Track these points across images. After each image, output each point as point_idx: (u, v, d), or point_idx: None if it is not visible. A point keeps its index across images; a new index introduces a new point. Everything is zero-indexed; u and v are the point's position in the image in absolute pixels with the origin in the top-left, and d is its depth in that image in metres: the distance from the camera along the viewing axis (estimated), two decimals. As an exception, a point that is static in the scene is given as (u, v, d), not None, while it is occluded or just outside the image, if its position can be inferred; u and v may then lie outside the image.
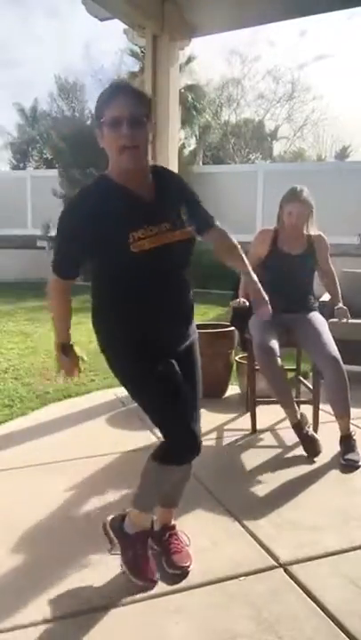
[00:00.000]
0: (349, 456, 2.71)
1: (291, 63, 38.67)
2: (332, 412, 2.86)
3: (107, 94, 1.60)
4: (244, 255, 1.94)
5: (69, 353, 1.84)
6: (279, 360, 2.82)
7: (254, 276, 1.93)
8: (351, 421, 2.91)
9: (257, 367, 3.03)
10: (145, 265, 1.61)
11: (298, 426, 2.84)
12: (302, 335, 2.93)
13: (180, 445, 1.72)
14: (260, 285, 1.92)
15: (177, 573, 1.81)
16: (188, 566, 1.83)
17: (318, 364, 2.88)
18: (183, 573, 1.81)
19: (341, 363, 2.77)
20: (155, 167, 1.75)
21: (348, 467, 2.67)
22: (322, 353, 2.79)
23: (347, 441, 2.79)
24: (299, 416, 2.86)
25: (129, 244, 1.57)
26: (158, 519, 1.94)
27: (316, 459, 2.76)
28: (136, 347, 1.70)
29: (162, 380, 1.68)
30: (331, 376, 2.78)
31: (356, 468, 2.66)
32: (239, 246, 1.93)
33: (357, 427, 3.22)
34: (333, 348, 2.80)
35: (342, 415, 2.81)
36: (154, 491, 1.83)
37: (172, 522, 1.97)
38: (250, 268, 1.94)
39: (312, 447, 2.79)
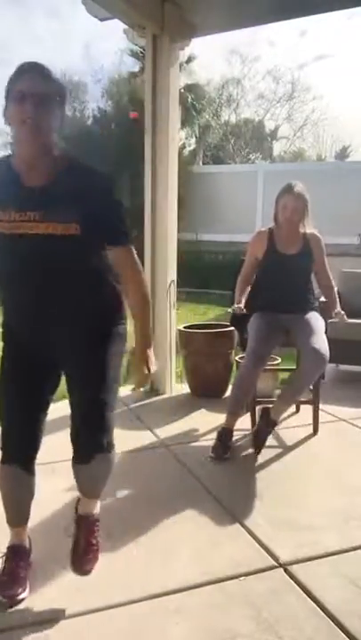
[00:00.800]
0: (262, 437, 2.80)
1: (291, 63, 38.65)
2: (274, 397, 2.93)
3: (17, 71, 1.56)
4: (144, 310, 1.76)
5: None
6: (260, 371, 2.87)
7: (144, 331, 1.75)
8: (351, 421, 2.92)
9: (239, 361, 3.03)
10: (1, 250, 1.58)
11: (226, 432, 2.88)
12: (298, 335, 2.92)
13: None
14: (145, 341, 1.75)
15: (76, 573, 1.74)
16: (90, 571, 1.74)
17: (302, 354, 2.82)
18: (83, 575, 1.73)
19: (325, 360, 2.71)
20: (74, 161, 1.64)
21: (256, 444, 2.79)
22: (308, 346, 2.73)
23: (269, 424, 2.81)
24: (233, 426, 2.91)
25: None
26: (79, 504, 1.86)
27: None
28: (11, 338, 1.72)
29: (5, 373, 1.71)
30: (307, 366, 2.75)
31: (257, 450, 2.80)
32: (143, 293, 1.74)
33: (357, 427, 3.23)
34: (323, 344, 2.74)
35: (285, 402, 2.85)
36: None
37: (92, 512, 1.83)
38: (144, 339, 1.74)
39: (217, 450, 2.81)
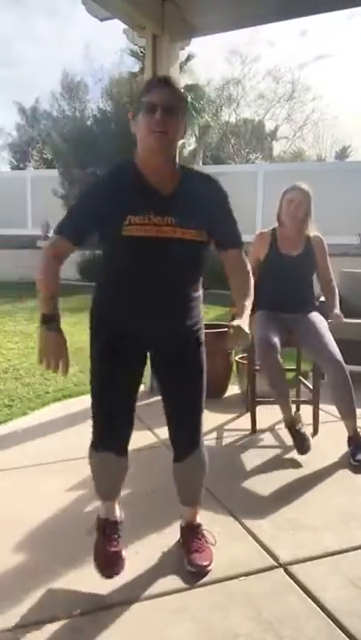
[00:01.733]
0: (359, 456, 2.70)
1: (291, 63, 38.70)
2: (338, 414, 2.85)
3: (149, 83, 1.69)
4: (249, 296, 1.83)
5: (55, 333, 1.65)
6: (280, 357, 2.81)
7: (244, 317, 1.77)
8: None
9: (257, 367, 3.03)
10: (133, 251, 1.63)
11: (291, 423, 2.84)
12: (303, 336, 2.93)
13: (93, 429, 1.83)
14: (244, 325, 1.76)
15: (193, 571, 1.82)
16: (207, 566, 1.84)
17: (321, 365, 2.87)
18: (201, 572, 1.82)
19: (344, 364, 2.76)
20: (196, 172, 1.79)
21: (360, 467, 2.66)
22: (323, 355, 2.79)
23: (355, 441, 2.78)
24: (293, 413, 2.86)
25: (123, 226, 1.60)
26: (183, 517, 1.99)
27: (305, 456, 2.75)
28: (110, 325, 1.75)
29: (103, 373, 1.76)
30: (334, 378, 2.78)
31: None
32: (250, 285, 1.84)
33: (358, 427, 3.23)
34: (335, 350, 2.79)
35: (349, 416, 2.81)
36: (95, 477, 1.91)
37: (196, 520, 1.98)
38: (245, 311, 1.78)
39: (303, 445, 2.78)
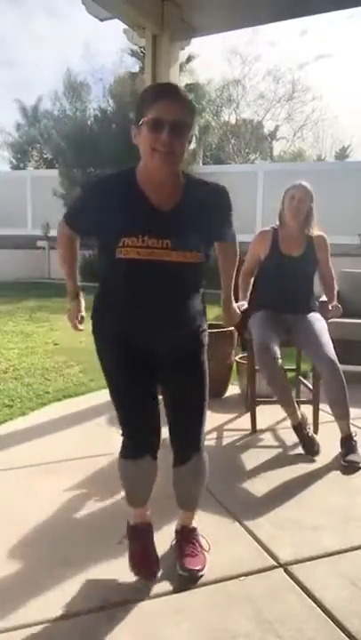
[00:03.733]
0: (351, 457, 2.70)
1: (291, 63, 38.69)
2: (332, 414, 2.86)
3: (153, 93, 1.55)
4: (232, 276, 1.98)
5: (76, 301, 1.92)
6: (279, 360, 2.81)
7: (231, 299, 2.02)
8: (351, 422, 2.91)
9: (257, 367, 3.03)
10: (128, 273, 1.60)
11: (299, 427, 2.84)
12: (301, 335, 2.93)
13: (125, 440, 1.81)
14: (234, 307, 2.04)
15: (184, 575, 1.80)
16: (198, 571, 1.80)
17: (316, 365, 2.88)
18: (192, 577, 1.79)
19: (338, 364, 2.76)
20: (201, 182, 1.71)
21: (350, 468, 2.66)
22: (318, 354, 2.79)
23: (347, 442, 2.78)
24: (300, 416, 2.86)
25: (117, 247, 1.56)
26: (178, 520, 1.97)
27: (315, 458, 2.76)
28: (114, 339, 1.74)
29: (125, 369, 1.75)
30: (328, 378, 2.78)
31: (358, 469, 2.66)
32: (234, 266, 1.96)
33: (358, 427, 3.23)
34: (330, 350, 2.79)
35: (342, 416, 2.81)
36: (124, 485, 1.89)
37: (191, 525, 1.95)
38: (230, 291, 2.01)
39: (312, 447, 2.79)
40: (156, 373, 1.79)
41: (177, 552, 1.88)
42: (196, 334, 1.79)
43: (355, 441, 2.79)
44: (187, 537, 1.91)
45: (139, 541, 1.86)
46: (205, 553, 1.89)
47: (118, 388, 1.78)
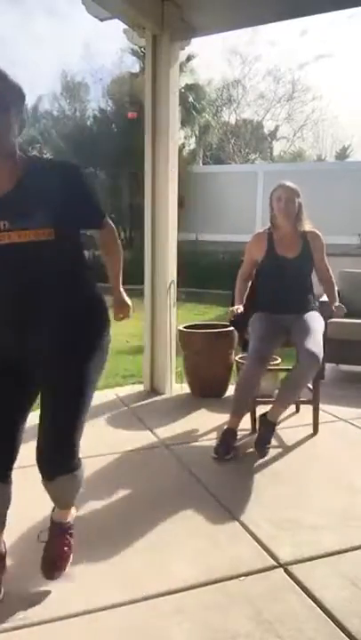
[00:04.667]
0: (267, 447, 2.82)
1: (291, 63, 38.70)
2: (274, 396, 2.94)
3: None
4: (115, 263, 1.84)
5: None
6: (266, 370, 2.87)
7: (118, 289, 1.87)
8: (351, 421, 2.92)
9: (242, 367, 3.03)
10: None
11: (229, 433, 2.87)
12: (297, 333, 2.92)
13: None
14: (121, 294, 1.87)
15: (43, 573, 1.75)
16: (58, 576, 1.75)
17: (298, 354, 2.82)
18: (50, 579, 1.75)
19: (319, 362, 2.74)
20: (35, 160, 1.61)
21: (262, 454, 2.77)
22: (304, 347, 2.76)
23: (269, 427, 2.85)
24: (237, 427, 2.90)
25: None
26: (53, 512, 1.88)
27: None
28: None
29: None
30: (300, 368, 2.77)
31: (263, 456, 2.77)
32: (119, 253, 1.83)
33: (357, 427, 3.23)
34: (317, 347, 2.76)
35: (282, 405, 2.87)
36: None
37: (66, 519, 1.85)
38: (119, 280, 1.86)
39: (223, 455, 2.77)
40: (27, 383, 1.66)
41: (46, 544, 1.80)
42: (75, 325, 1.63)
43: (274, 426, 2.86)
44: (60, 532, 1.83)
45: None
46: (70, 553, 1.82)
47: None
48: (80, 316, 1.64)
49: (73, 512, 1.89)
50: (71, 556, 1.83)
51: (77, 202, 1.58)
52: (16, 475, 1.75)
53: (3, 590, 1.71)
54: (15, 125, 1.51)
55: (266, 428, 2.87)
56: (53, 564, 1.77)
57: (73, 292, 1.64)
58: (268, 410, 2.90)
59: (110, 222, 1.78)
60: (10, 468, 1.69)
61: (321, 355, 2.74)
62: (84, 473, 1.77)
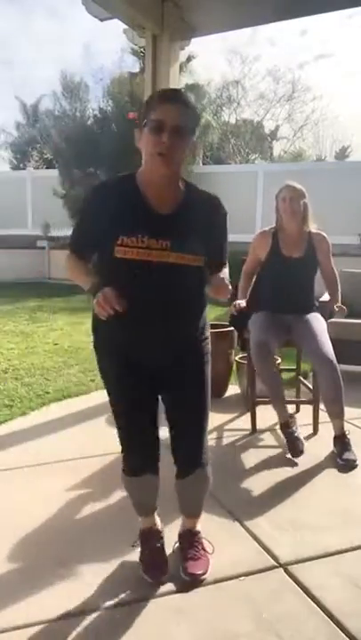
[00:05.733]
0: (346, 455, 2.72)
1: (291, 63, 38.72)
2: (326, 412, 2.87)
3: (158, 96, 1.59)
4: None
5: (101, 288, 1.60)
6: (275, 358, 2.81)
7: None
8: (350, 421, 2.92)
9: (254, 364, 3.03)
10: (124, 273, 1.58)
11: (286, 425, 2.85)
12: (300, 335, 2.93)
13: (125, 459, 1.83)
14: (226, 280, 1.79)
15: (186, 580, 1.80)
16: (200, 575, 1.80)
17: (314, 364, 2.88)
18: (194, 581, 1.79)
19: (336, 363, 2.76)
20: (200, 191, 1.71)
21: (347, 466, 2.67)
22: (316, 353, 2.79)
23: (342, 440, 2.80)
24: (288, 415, 2.87)
25: (115, 246, 1.55)
26: (182, 524, 1.97)
27: (298, 460, 2.75)
28: (113, 350, 1.73)
29: (123, 394, 1.76)
30: (325, 377, 2.78)
31: (354, 467, 2.67)
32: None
33: (357, 427, 3.23)
34: (329, 349, 2.79)
35: (337, 414, 2.82)
36: (129, 497, 1.92)
37: (195, 528, 1.96)
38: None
39: (296, 448, 2.78)
40: (157, 389, 1.78)
41: (180, 555, 1.89)
42: (198, 342, 1.78)
43: (348, 439, 2.80)
44: (190, 540, 1.91)
45: (147, 545, 1.89)
46: (208, 555, 1.89)
47: (119, 415, 1.79)
48: (200, 326, 1.77)
49: (198, 522, 1.98)
50: (207, 558, 1.88)
51: (218, 239, 1.73)
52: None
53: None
54: (187, 150, 1.59)
55: (341, 443, 2.79)
56: (191, 563, 1.83)
57: (201, 313, 1.76)
58: (335, 431, 2.83)
59: (226, 273, 1.78)
60: (158, 461, 1.84)
61: (334, 356, 2.76)
62: (211, 477, 1.86)
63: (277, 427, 2.99)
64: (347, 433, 2.82)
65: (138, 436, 1.80)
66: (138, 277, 1.58)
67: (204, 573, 1.81)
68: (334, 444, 2.80)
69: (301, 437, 2.84)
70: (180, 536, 1.95)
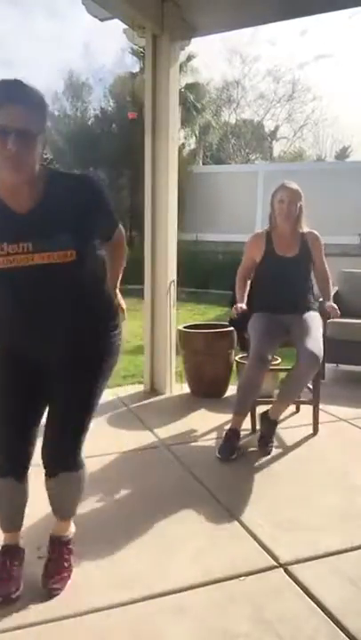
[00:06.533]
0: (271, 445, 2.86)
1: (291, 63, 38.74)
2: (275, 396, 2.98)
3: None
4: (122, 268, 1.91)
5: None
6: (264, 375, 2.85)
7: (116, 290, 1.92)
8: (351, 421, 2.92)
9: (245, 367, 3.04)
10: None
11: (232, 433, 2.88)
12: (297, 333, 2.92)
13: None
14: (118, 297, 1.91)
15: (43, 590, 1.73)
16: (59, 590, 1.73)
17: (298, 353, 2.81)
18: (50, 592, 1.72)
19: (319, 362, 2.74)
20: (64, 175, 1.62)
21: (264, 453, 2.81)
22: (304, 346, 2.76)
23: (270, 426, 2.90)
24: (240, 427, 2.92)
25: None
26: (53, 527, 1.88)
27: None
28: (2, 360, 1.71)
29: (3, 407, 1.70)
30: (301, 367, 2.77)
31: (266, 454, 2.80)
32: (124, 259, 1.90)
33: (357, 427, 3.23)
34: (317, 345, 2.76)
35: (283, 402, 2.92)
36: None
37: (64, 534, 1.86)
38: (116, 283, 1.91)
39: (227, 456, 2.77)
40: (42, 389, 1.72)
41: (45, 564, 1.79)
42: (90, 339, 1.69)
43: (275, 424, 2.92)
44: (59, 551, 1.83)
45: (3, 561, 1.76)
46: (71, 570, 1.81)
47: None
48: (91, 321, 1.69)
49: (72, 528, 1.91)
50: (72, 571, 1.81)
51: (93, 216, 1.58)
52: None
53: (22, 585, 1.73)
54: (40, 149, 1.48)
55: (267, 426, 2.91)
56: (52, 578, 1.75)
57: (88, 307, 1.67)
58: (268, 408, 2.92)
59: (121, 229, 1.81)
60: (26, 467, 1.74)
61: (321, 354, 2.74)
62: (85, 481, 1.80)
63: (277, 426, 2.99)
64: (278, 422, 2.94)
65: (13, 440, 1.70)
66: (10, 283, 1.53)
67: (61, 588, 1.73)
68: (261, 423, 2.93)
69: (236, 447, 2.83)
70: (50, 541, 1.85)
